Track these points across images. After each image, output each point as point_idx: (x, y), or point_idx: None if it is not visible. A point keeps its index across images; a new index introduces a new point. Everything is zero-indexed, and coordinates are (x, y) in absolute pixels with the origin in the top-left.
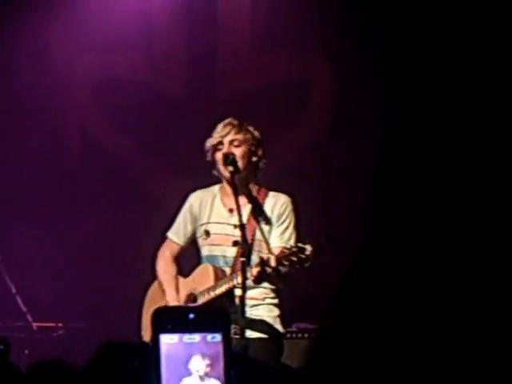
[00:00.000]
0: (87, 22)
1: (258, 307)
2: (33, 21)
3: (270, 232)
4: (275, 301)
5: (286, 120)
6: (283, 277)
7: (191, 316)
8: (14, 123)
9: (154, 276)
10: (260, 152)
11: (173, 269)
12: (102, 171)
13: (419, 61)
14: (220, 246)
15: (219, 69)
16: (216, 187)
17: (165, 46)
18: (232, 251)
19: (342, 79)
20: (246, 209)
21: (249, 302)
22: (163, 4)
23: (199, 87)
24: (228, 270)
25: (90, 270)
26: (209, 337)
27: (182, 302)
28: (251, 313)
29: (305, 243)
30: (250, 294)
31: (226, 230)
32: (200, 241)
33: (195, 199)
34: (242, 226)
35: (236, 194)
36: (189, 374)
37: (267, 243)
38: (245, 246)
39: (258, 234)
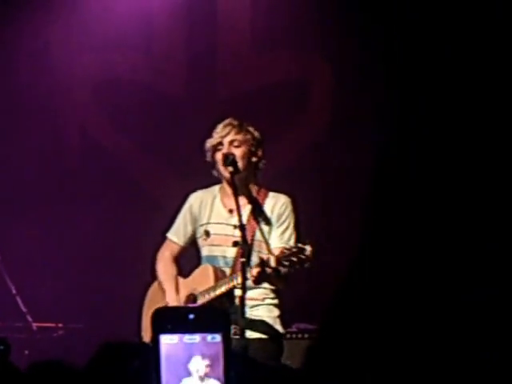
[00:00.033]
0: (87, 22)
1: (258, 308)
2: (33, 21)
3: (269, 232)
4: (275, 301)
5: (286, 120)
6: (283, 277)
7: (191, 316)
8: (14, 123)
9: (153, 276)
10: (260, 152)
11: (173, 269)
12: (101, 171)
13: (419, 61)
14: (220, 247)
15: (219, 69)
16: (216, 188)
17: (165, 46)
18: (232, 252)
19: (342, 79)
20: (246, 209)
21: (249, 303)
22: (163, 4)
23: (199, 87)
24: (228, 271)
25: (90, 270)
26: (209, 337)
27: (181, 303)
28: (251, 313)
29: (305, 243)
30: (249, 294)
31: (226, 230)
32: (200, 241)
33: (195, 199)
34: (241, 227)
35: (236, 195)
36: (189, 374)
37: (267, 244)
38: (245, 247)
39: (258, 235)
